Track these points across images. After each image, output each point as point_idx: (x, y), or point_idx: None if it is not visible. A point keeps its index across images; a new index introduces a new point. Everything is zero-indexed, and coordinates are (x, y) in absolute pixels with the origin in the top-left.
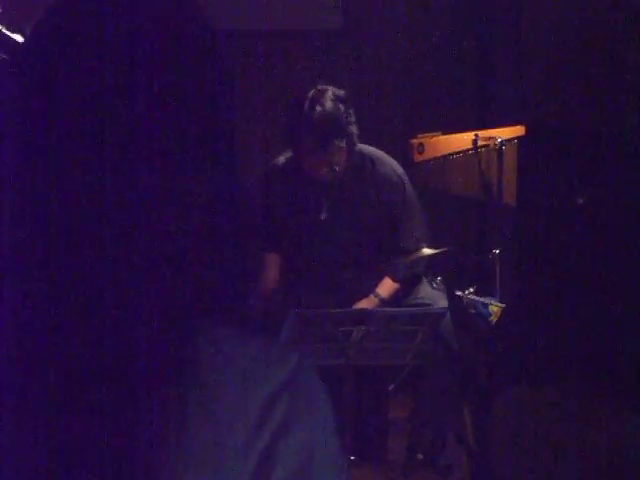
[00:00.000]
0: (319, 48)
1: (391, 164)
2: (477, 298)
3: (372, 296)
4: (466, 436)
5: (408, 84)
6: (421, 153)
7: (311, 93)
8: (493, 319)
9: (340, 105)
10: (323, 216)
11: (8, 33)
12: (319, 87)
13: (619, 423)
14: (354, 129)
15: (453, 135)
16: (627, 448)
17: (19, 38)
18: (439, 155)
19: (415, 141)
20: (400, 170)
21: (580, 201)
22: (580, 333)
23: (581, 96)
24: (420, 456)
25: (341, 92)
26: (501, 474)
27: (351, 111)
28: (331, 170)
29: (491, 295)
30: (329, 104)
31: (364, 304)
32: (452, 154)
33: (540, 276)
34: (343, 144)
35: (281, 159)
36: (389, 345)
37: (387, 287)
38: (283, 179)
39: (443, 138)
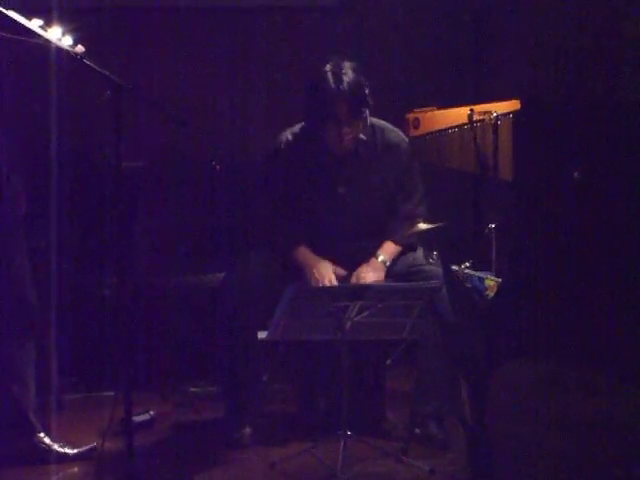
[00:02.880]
0: (316, 24)
1: (397, 131)
2: (473, 272)
3: (374, 259)
4: (463, 410)
5: (404, 60)
6: (417, 128)
7: (330, 67)
8: (489, 293)
9: (361, 76)
10: (341, 189)
11: None
12: (334, 62)
13: (618, 395)
14: (369, 98)
15: (449, 110)
16: (626, 420)
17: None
18: (435, 130)
19: (411, 116)
20: (405, 137)
21: (575, 175)
22: (577, 306)
23: (577, 71)
24: (417, 431)
25: (353, 64)
26: (499, 448)
27: (367, 82)
28: (354, 140)
29: (487, 269)
30: (352, 76)
31: (366, 268)
32: (448, 129)
33: (536, 250)
34: (367, 114)
35: (290, 134)
36: (385, 320)
37: (388, 249)
38: (297, 153)
39: (439, 113)
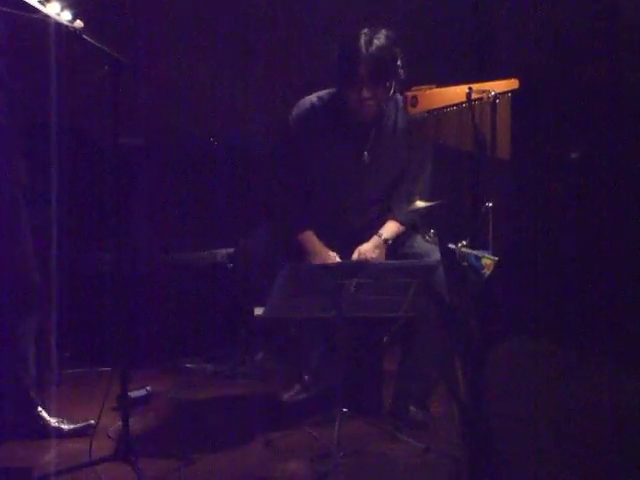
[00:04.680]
0: (315, 1)
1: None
2: (470, 251)
3: (376, 236)
4: (458, 388)
5: (402, 37)
6: (414, 106)
7: (366, 30)
8: (486, 272)
9: (396, 47)
10: (366, 158)
11: None
12: (372, 27)
13: (616, 377)
14: (401, 71)
15: (447, 88)
16: (623, 401)
17: None
18: (433, 108)
19: (409, 94)
20: (422, 115)
21: (573, 155)
22: (574, 286)
23: (576, 51)
24: (413, 408)
25: (391, 33)
26: (495, 426)
27: (400, 53)
28: (375, 107)
29: (484, 248)
30: (385, 42)
31: (368, 246)
32: (446, 107)
33: (534, 229)
34: (392, 84)
35: (315, 98)
36: (382, 298)
37: (390, 228)
38: (321, 116)
39: (437, 91)
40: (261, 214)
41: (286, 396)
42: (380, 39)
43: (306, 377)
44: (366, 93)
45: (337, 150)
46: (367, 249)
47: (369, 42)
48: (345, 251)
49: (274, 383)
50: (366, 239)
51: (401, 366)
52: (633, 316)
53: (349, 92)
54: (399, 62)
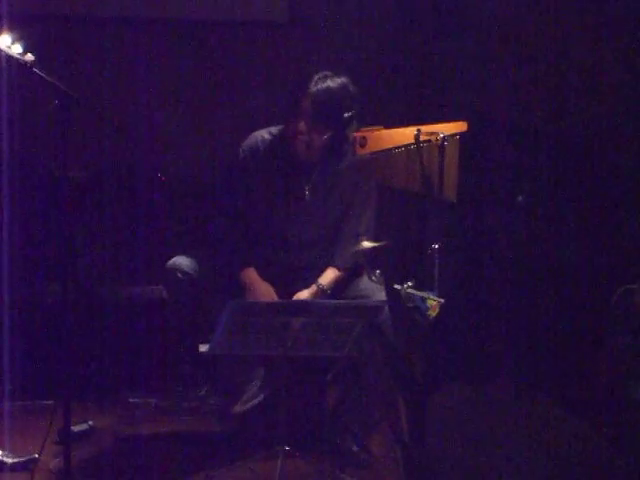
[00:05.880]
0: (264, 40)
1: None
2: (415, 292)
3: (314, 285)
4: (401, 429)
5: (351, 78)
6: (363, 147)
7: (323, 73)
8: (431, 313)
9: (349, 92)
10: (307, 197)
11: None
12: (330, 71)
13: (558, 421)
14: (348, 121)
15: (395, 129)
16: (567, 446)
17: None
18: (381, 149)
19: (358, 134)
20: (367, 156)
21: (519, 199)
22: (520, 330)
23: (523, 94)
24: (355, 448)
25: (350, 83)
26: (436, 466)
27: (353, 102)
28: (318, 149)
29: (430, 289)
30: (338, 86)
31: (306, 294)
32: (394, 148)
33: (481, 271)
34: (339, 127)
35: (264, 134)
36: (327, 337)
37: (329, 277)
38: (266, 156)
39: (385, 132)
40: (204, 248)
41: (237, 407)
42: (334, 82)
43: (249, 386)
44: (302, 127)
45: (279, 186)
46: (305, 297)
47: (322, 82)
48: (284, 289)
49: (217, 419)
50: (304, 280)
51: (344, 405)
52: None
53: (287, 123)
54: (347, 114)
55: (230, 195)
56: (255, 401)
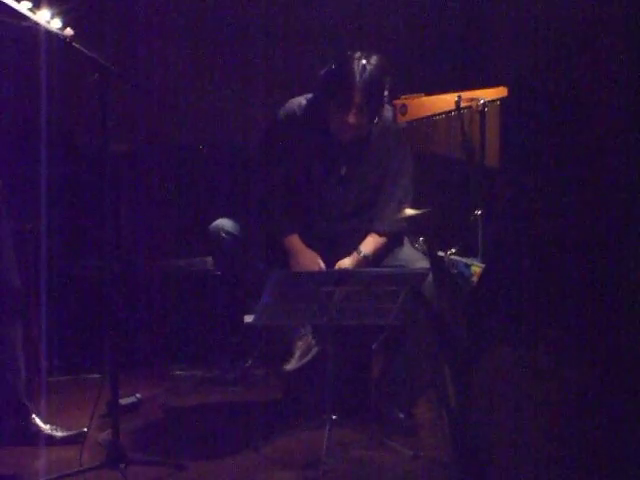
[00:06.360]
0: (307, 11)
1: (392, 115)
2: (459, 258)
3: (355, 253)
4: (446, 396)
5: (392, 46)
6: (404, 114)
7: (359, 55)
8: (475, 279)
9: (386, 75)
10: (343, 171)
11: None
12: (364, 52)
13: (593, 385)
14: (387, 97)
15: (436, 96)
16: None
17: None
18: (422, 116)
19: (398, 102)
20: (402, 124)
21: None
22: (561, 295)
23: (565, 58)
24: (400, 415)
25: (382, 59)
26: (482, 432)
27: (388, 78)
28: (356, 130)
29: (473, 255)
30: (377, 71)
31: (347, 262)
32: (435, 115)
33: (521, 237)
34: (378, 111)
35: (298, 104)
36: (371, 305)
37: (370, 244)
38: (302, 127)
39: (426, 99)
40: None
41: (288, 366)
42: (372, 66)
43: (299, 343)
44: (352, 119)
45: (315, 158)
46: (346, 266)
47: (362, 69)
48: (325, 258)
49: (264, 389)
50: (346, 248)
51: (389, 373)
52: (618, 320)
53: (335, 113)
54: (386, 91)
55: (269, 161)
56: (306, 359)
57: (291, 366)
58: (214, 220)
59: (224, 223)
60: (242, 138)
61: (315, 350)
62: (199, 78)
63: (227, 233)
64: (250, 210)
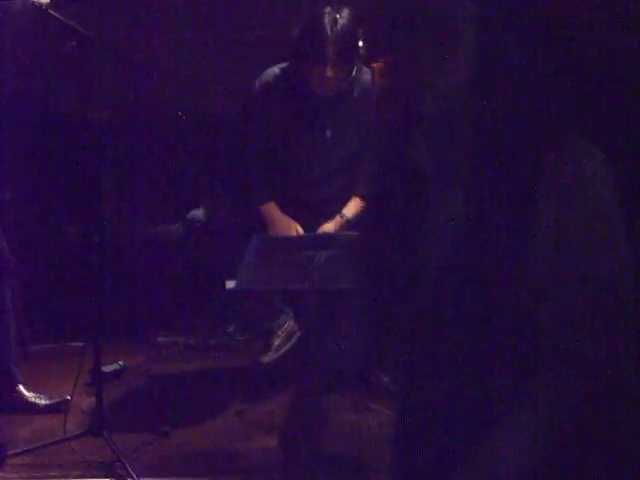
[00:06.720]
0: None
1: (371, 78)
2: None
3: (338, 217)
4: None
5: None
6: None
7: (329, 9)
8: None
9: (358, 26)
10: (328, 134)
11: None
12: (334, 6)
13: None
14: (362, 50)
15: None
16: None
17: None
18: None
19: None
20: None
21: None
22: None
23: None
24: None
25: (354, 11)
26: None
27: (361, 30)
28: (337, 84)
29: None
30: (348, 22)
31: (330, 225)
32: None
33: None
34: (354, 62)
35: (273, 74)
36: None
37: (353, 207)
38: (282, 93)
39: None
40: (226, 186)
41: (266, 359)
42: (344, 19)
43: (279, 332)
44: (329, 72)
45: (298, 124)
46: (329, 230)
47: (334, 22)
48: (309, 223)
49: (246, 355)
50: (329, 212)
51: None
52: None
53: (312, 71)
54: (360, 41)
55: (248, 133)
56: (286, 347)
57: (268, 358)
58: (194, 186)
59: (197, 214)
60: (225, 108)
61: (296, 337)
62: (180, 45)
63: (199, 222)
64: (224, 187)
